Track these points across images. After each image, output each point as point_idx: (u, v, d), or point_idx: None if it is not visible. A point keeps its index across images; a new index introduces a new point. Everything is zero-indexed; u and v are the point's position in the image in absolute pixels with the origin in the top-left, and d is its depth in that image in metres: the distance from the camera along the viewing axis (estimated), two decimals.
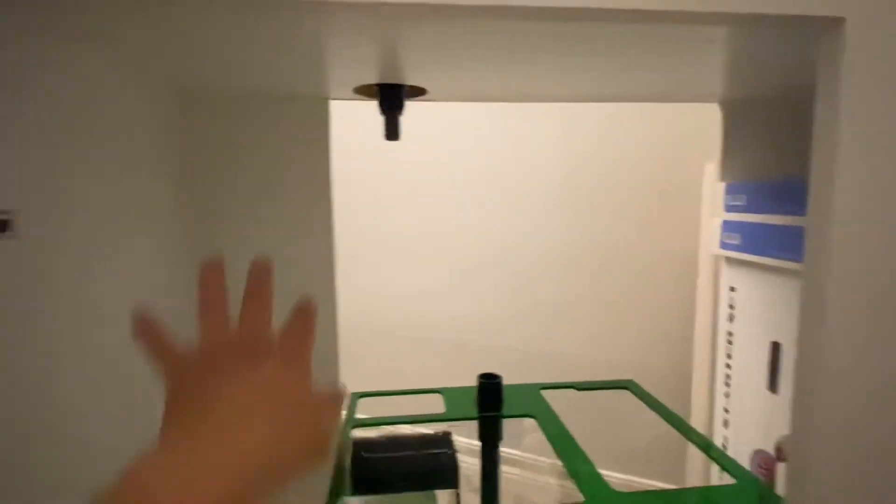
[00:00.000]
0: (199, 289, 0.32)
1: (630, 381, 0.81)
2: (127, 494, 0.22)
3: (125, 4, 0.35)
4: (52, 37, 0.42)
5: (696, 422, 0.92)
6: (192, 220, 0.71)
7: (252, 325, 0.32)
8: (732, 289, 0.77)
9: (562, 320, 1.33)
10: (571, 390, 0.78)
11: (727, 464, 0.60)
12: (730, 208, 0.76)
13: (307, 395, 0.32)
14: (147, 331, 0.30)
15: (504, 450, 0.73)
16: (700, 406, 0.99)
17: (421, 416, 0.71)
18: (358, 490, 0.66)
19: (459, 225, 1.43)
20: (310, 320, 0.35)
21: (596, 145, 1.26)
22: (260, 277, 0.34)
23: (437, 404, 0.75)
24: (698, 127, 1.14)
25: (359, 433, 0.69)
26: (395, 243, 1.52)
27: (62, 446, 0.42)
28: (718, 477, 0.84)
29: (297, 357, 0.33)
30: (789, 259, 0.66)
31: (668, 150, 1.19)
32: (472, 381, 0.74)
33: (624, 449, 1.20)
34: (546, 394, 0.77)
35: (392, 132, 0.64)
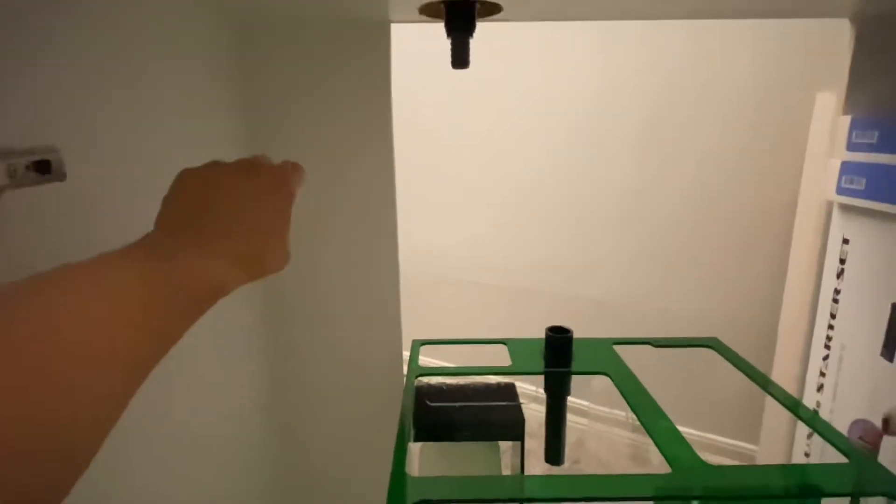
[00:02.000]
0: None
1: (714, 339, 0.74)
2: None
3: None
4: None
5: (784, 383, 0.84)
6: (251, 151, 0.68)
7: (255, 159, 0.36)
8: (846, 241, 0.67)
9: (639, 270, 1.24)
10: (648, 347, 0.73)
11: (831, 435, 0.54)
12: (854, 147, 0.64)
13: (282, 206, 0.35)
14: None
15: (571, 399, 0.69)
16: (784, 365, 0.91)
17: (485, 367, 0.68)
18: (421, 437, 0.65)
19: (532, 164, 1.34)
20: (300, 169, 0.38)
21: (681, 74, 1.13)
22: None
23: (501, 356, 0.72)
24: (805, 49, 0.99)
25: (423, 380, 0.68)
26: (457, 184, 1.46)
27: None
28: (806, 442, 0.78)
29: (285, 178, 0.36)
30: None
31: (767, 77, 1.04)
32: (540, 332, 0.70)
33: (699, 405, 1.15)
34: (620, 350, 0.71)
35: (460, 58, 0.57)
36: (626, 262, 1.24)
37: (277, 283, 0.70)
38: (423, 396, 0.66)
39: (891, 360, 0.61)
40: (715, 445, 1.14)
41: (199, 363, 0.58)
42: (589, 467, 1.22)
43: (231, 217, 0.30)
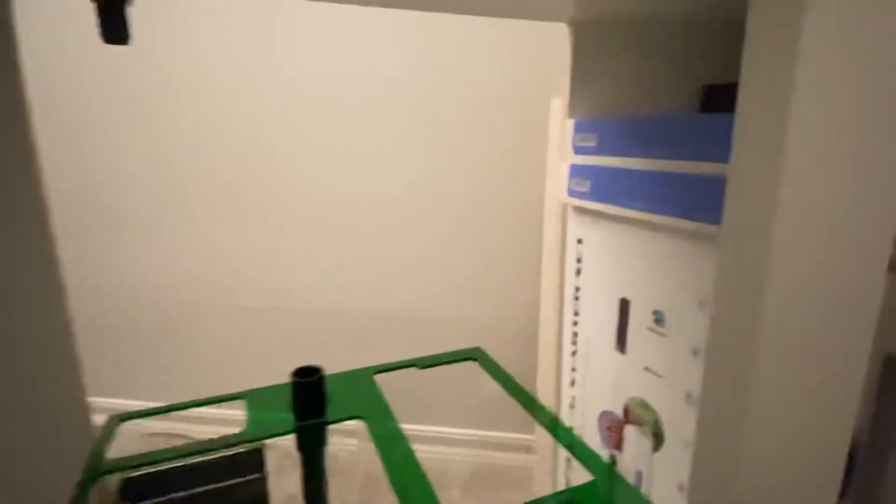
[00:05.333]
0: None
1: (476, 350, 0.71)
2: None
3: None
4: None
5: (545, 381, 0.87)
6: None
7: None
8: (580, 241, 0.70)
9: (400, 277, 1.20)
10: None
11: (579, 451, 0.53)
12: (579, 150, 0.67)
13: None
14: None
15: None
16: (545, 362, 0.95)
17: (201, 442, 0.52)
18: None
19: (271, 162, 1.19)
20: None
21: (434, 75, 1.11)
22: None
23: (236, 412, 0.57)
24: (544, 53, 1.05)
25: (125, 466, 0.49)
26: (204, 191, 1.23)
27: None
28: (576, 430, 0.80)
29: None
30: (638, 209, 0.59)
31: (514, 81, 1.09)
32: (287, 368, 0.58)
33: (470, 406, 1.15)
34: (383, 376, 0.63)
35: (114, 29, 0.41)
36: (388, 269, 1.20)
37: None
38: (128, 487, 0.48)
39: (623, 353, 0.65)
40: (492, 442, 1.17)
41: None
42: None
43: None
